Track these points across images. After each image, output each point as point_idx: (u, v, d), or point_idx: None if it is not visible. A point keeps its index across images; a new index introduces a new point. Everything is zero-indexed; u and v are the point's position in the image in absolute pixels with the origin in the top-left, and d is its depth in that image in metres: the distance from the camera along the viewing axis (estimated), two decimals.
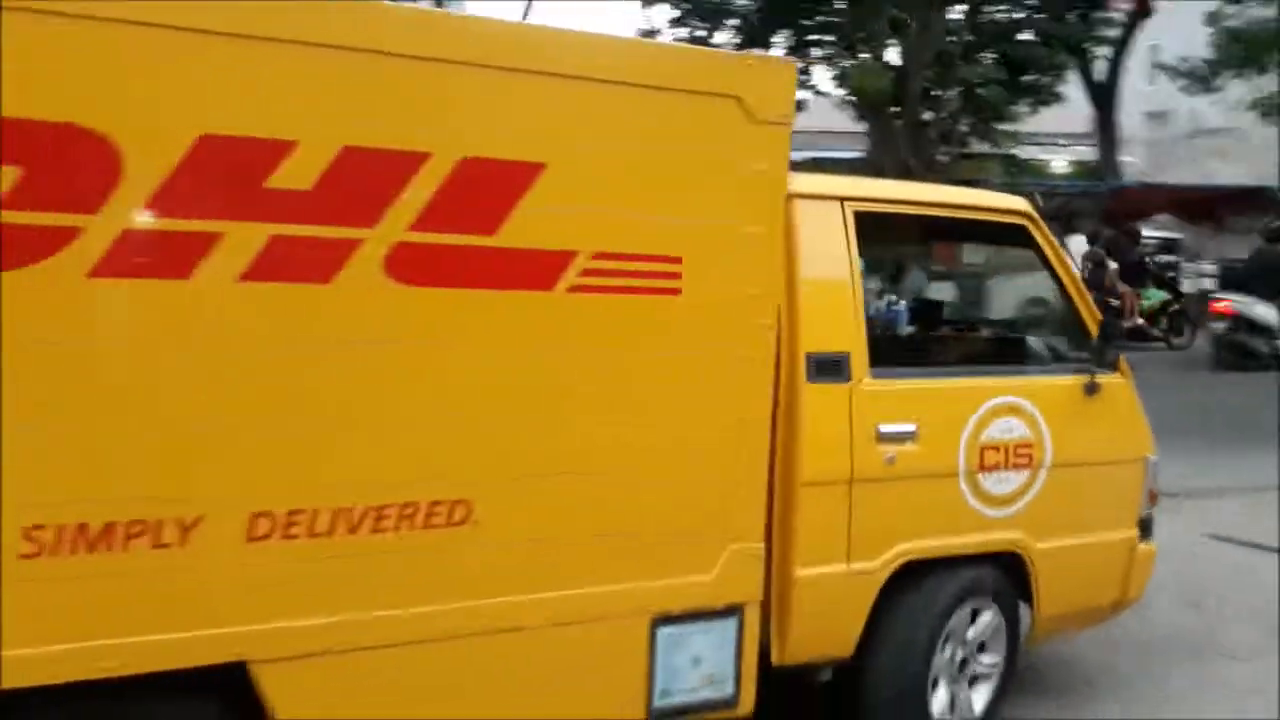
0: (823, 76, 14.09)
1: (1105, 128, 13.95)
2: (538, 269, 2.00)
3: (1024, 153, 16.39)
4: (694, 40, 13.57)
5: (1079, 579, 3.06)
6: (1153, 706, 3.16)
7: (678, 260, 2.15)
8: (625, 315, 2.12)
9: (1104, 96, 13.88)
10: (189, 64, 1.65)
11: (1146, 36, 13.81)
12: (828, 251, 2.56)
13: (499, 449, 2.02)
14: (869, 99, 11.95)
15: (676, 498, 2.25)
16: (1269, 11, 11.25)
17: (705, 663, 2.35)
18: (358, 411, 1.87)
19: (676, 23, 14.20)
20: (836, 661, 2.68)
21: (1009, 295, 9.88)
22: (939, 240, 3.88)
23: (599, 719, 2.24)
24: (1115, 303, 11.27)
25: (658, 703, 2.29)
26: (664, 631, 2.27)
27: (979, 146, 15.06)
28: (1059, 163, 17.60)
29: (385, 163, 1.81)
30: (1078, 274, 3.13)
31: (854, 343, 2.57)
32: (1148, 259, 11.92)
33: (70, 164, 1.59)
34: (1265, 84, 12.09)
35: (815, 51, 14.06)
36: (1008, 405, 2.84)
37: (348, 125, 1.78)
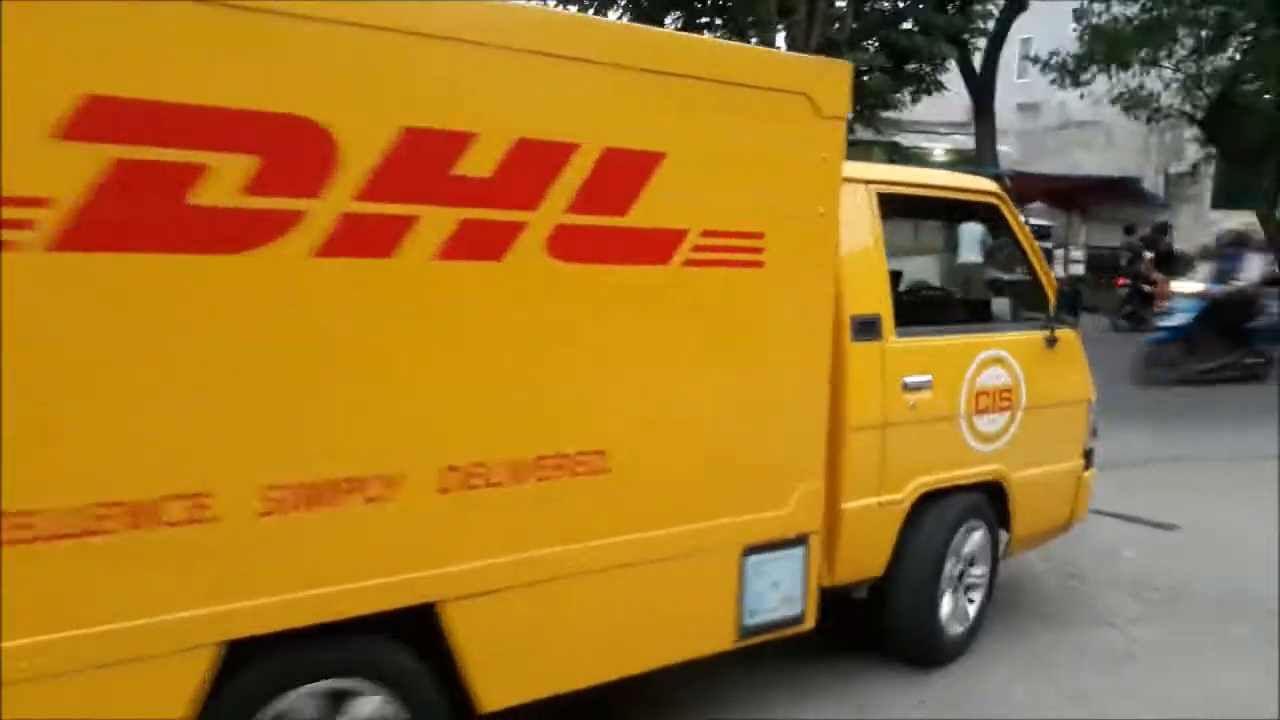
0: None
1: (982, 118, 15.15)
2: (658, 246, 2.29)
3: (906, 140, 17.54)
4: None
5: (1043, 502, 3.64)
6: (1035, 672, 3.26)
7: (761, 236, 2.49)
8: (722, 285, 2.44)
9: (981, 87, 15.07)
10: (394, 61, 1.84)
11: (1019, 30, 15.00)
12: (861, 228, 2.97)
13: (627, 404, 2.31)
14: None
15: (762, 443, 2.60)
16: (1132, 10, 12.44)
17: (781, 586, 2.72)
18: (524, 374, 2.11)
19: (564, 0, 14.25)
20: (871, 581, 3.12)
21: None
22: (930, 217, 4.37)
23: (701, 639, 2.57)
24: (1149, 288, 12.42)
25: (746, 622, 2.65)
26: (751, 560, 2.62)
27: (862, 133, 15.97)
28: (939, 151, 18.95)
29: (547, 153, 2.05)
30: (1037, 244, 3.69)
31: (883, 306, 3.00)
32: (1177, 250, 13.00)
33: (297, 153, 1.75)
34: (1128, 79, 13.38)
35: (705, 34, 14.50)
36: (994, 357, 3.36)
37: (520, 118, 2.00)
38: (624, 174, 2.19)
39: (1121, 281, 12.88)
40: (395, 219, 1.87)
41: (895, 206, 3.30)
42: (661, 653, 2.50)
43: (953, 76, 15.35)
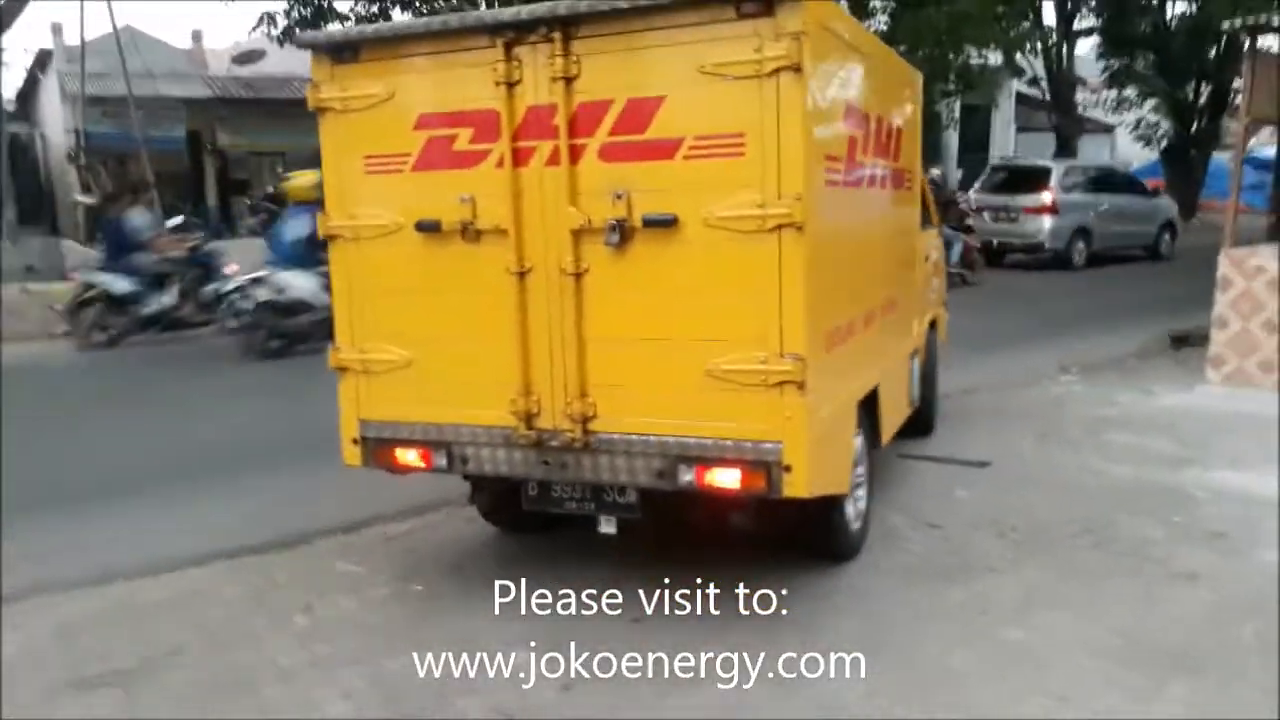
0: None
1: None
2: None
3: None
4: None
5: (942, 327, 6.23)
6: (944, 628, 2.93)
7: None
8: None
9: None
10: (882, 79, 3.40)
11: None
12: None
13: (898, 274, 4.12)
14: None
15: (909, 289, 4.62)
16: None
17: (914, 380, 4.78)
18: (889, 252, 3.82)
19: None
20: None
21: None
22: None
23: (908, 407, 4.52)
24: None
25: (912, 399, 4.66)
26: (912, 363, 4.64)
27: None
28: None
29: (894, 131, 3.74)
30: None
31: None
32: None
33: (869, 133, 3.23)
34: None
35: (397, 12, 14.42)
36: (933, 244, 5.75)
37: (889, 109, 3.66)
38: (893, 136, 3.96)
39: None
40: (875, 169, 3.44)
41: None
42: (901, 417, 4.39)
43: None
